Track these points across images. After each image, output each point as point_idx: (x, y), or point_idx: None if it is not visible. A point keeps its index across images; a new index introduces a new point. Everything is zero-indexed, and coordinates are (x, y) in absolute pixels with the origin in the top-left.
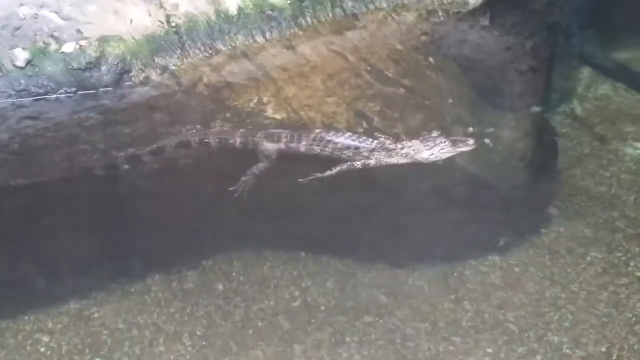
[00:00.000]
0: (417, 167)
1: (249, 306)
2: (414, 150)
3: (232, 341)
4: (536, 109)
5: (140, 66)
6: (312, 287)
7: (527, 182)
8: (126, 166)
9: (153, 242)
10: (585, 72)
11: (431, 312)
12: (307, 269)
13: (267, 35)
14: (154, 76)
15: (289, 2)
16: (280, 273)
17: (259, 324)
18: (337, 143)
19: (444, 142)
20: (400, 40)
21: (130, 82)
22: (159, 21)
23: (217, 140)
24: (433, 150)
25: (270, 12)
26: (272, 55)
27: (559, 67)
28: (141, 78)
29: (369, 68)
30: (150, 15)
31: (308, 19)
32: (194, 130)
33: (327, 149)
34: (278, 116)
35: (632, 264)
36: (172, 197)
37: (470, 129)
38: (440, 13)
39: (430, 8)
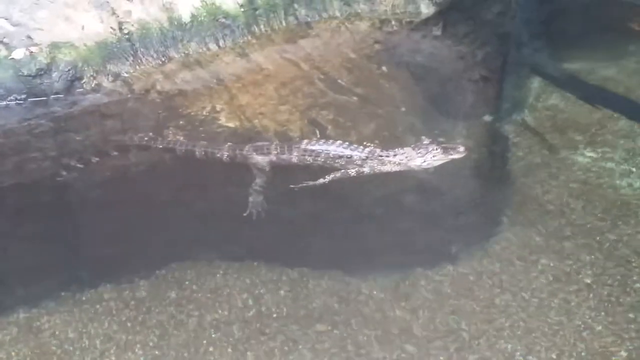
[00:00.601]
0: (368, 175)
1: (203, 315)
2: (406, 157)
3: (185, 351)
4: (488, 118)
5: (91, 73)
6: (265, 295)
7: (479, 190)
8: (115, 153)
9: (105, 251)
10: (536, 82)
11: (384, 319)
12: (261, 277)
13: (221, 43)
14: (106, 83)
15: (242, 10)
16: (233, 281)
17: (213, 333)
18: (329, 152)
19: (436, 149)
20: (353, 49)
21: (81, 89)
22: (111, 28)
23: (203, 152)
24: (425, 157)
25: (223, 20)
26: (226, 63)
27: (510, 76)
28: (93, 85)
29: (322, 76)
30: (102, 21)
31: (262, 27)
32: (182, 138)
33: (319, 159)
34: (231, 124)
35: (581, 271)
36: (125, 205)
37: (423, 137)
38: (393, 22)
39: (383, 17)
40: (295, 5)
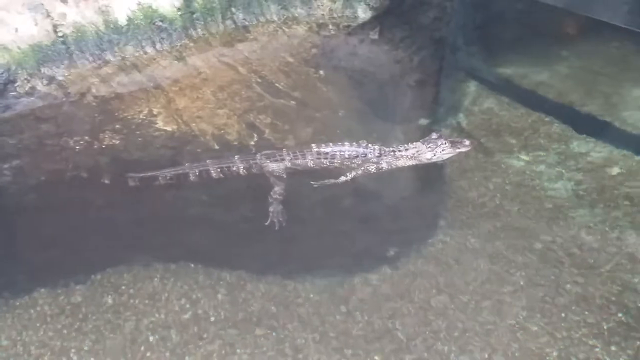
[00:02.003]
0: (307, 179)
1: (139, 320)
2: (418, 151)
3: (122, 356)
4: (424, 121)
5: (25, 76)
6: (203, 299)
7: (416, 193)
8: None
9: (40, 255)
10: (472, 86)
11: (322, 323)
12: (198, 281)
13: (158, 46)
14: (41, 86)
15: (179, 13)
16: (171, 286)
17: (150, 338)
18: (344, 153)
19: (445, 143)
20: (291, 53)
21: (15, 93)
22: (46, 30)
23: (219, 169)
24: (435, 151)
25: (160, 23)
26: (163, 67)
27: (446, 81)
28: (27, 88)
29: (260, 80)
30: (36, 24)
31: (199, 30)
32: (189, 163)
33: (335, 161)
34: (169, 128)
35: (515, 272)
36: (60, 209)
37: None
38: (330, 26)
39: (320, 21)
40: (233, 9)
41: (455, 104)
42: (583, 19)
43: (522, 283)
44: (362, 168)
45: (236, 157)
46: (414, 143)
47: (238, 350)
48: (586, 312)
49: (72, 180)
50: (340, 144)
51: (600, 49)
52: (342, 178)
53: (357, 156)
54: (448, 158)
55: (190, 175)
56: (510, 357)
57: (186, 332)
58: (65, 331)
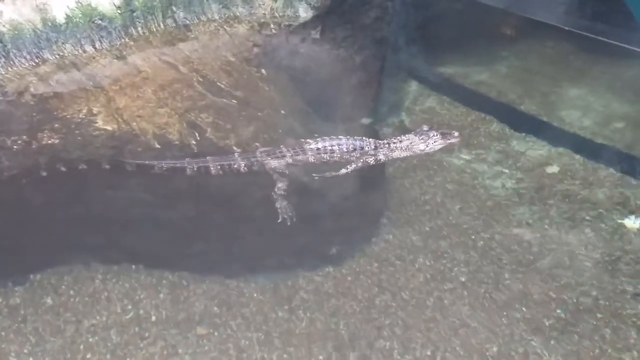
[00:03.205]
0: (251, 178)
1: (80, 321)
2: (411, 143)
3: (62, 358)
4: (366, 120)
5: None
6: (144, 299)
7: (358, 192)
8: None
9: None
10: (413, 86)
11: (265, 321)
12: (140, 281)
13: (97, 45)
14: None
15: (119, 11)
16: (112, 286)
17: (90, 339)
18: (342, 147)
19: (436, 135)
20: (232, 52)
21: None
22: None
23: (219, 167)
24: (428, 142)
25: (99, 22)
26: (103, 66)
27: (387, 80)
28: None
29: (201, 79)
30: None
31: (139, 29)
32: (189, 158)
33: (335, 155)
34: (109, 127)
35: (456, 270)
36: None
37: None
38: (272, 26)
39: (262, 21)
40: (174, 8)
41: (397, 103)
42: (522, 20)
43: (463, 280)
44: (362, 160)
45: (236, 154)
46: (407, 135)
47: (180, 351)
48: (525, 309)
49: (10, 180)
50: (336, 138)
51: (539, 49)
52: (343, 170)
53: (354, 150)
54: (439, 149)
55: (188, 169)
56: (452, 353)
57: (127, 333)
58: (3, 333)
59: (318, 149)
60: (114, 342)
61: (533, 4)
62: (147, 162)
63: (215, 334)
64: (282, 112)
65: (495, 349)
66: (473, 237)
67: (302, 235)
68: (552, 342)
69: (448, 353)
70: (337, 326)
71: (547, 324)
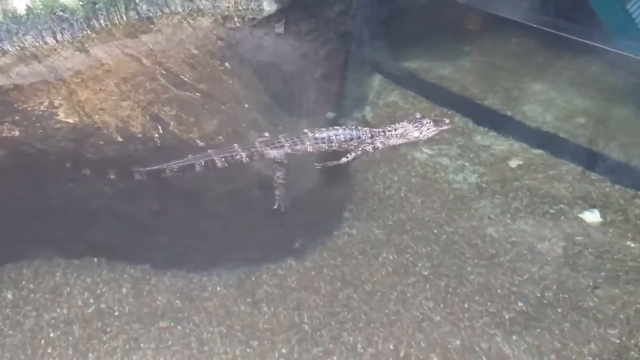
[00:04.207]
0: (214, 172)
1: (40, 315)
2: (406, 130)
3: (21, 352)
4: (330, 114)
5: None
6: (106, 293)
7: (322, 186)
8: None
9: None
10: (377, 80)
11: (227, 315)
12: (102, 275)
13: (59, 37)
14: None
15: (81, 3)
16: (73, 280)
17: (51, 333)
18: (339, 136)
19: (429, 122)
20: (196, 45)
21: None
22: None
23: (224, 159)
24: (422, 129)
25: (61, 13)
26: (64, 58)
27: (351, 74)
28: None
29: (164, 72)
30: None
31: (101, 21)
32: (192, 155)
33: (333, 144)
34: (70, 120)
35: (419, 264)
36: None
37: (266, 134)
38: (235, 19)
39: (226, 14)
40: (137, 0)
41: (361, 97)
42: (485, 15)
43: (426, 274)
44: (360, 149)
45: (235, 145)
46: (401, 123)
47: (142, 345)
48: (488, 302)
49: None
50: (333, 128)
51: (501, 45)
52: (343, 159)
53: (352, 139)
54: (432, 136)
55: (197, 166)
56: (415, 347)
57: (89, 327)
58: None
59: (316, 138)
60: (75, 336)
61: (497, 0)
62: (156, 167)
63: (178, 327)
64: (246, 105)
65: (458, 342)
66: (436, 231)
67: (266, 229)
68: (514, 336)
69: (411, 347)
70: (301, 320)
71: (509, 317)
